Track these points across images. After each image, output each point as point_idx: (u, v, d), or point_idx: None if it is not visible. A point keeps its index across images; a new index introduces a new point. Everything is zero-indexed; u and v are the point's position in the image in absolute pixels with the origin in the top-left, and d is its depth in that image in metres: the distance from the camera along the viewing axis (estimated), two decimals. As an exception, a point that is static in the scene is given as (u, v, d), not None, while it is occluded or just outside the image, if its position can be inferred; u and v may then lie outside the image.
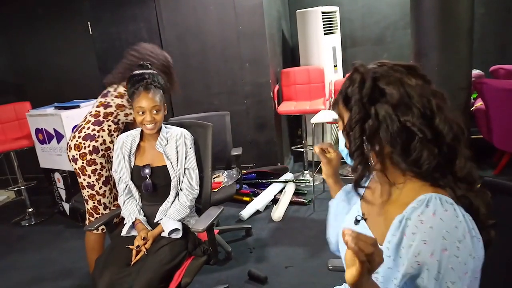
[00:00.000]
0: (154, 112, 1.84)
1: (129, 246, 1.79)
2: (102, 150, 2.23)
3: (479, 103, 3.55)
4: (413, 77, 0.89)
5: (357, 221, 1.02)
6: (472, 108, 3.57)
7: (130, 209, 1.93)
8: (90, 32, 4.16)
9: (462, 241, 0.81)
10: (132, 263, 1.72)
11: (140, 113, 1.83)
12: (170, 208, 1.89)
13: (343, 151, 1.01)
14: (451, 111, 0.89)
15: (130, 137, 1.97)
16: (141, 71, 1.94)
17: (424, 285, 0.82)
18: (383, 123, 0.86)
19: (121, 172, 1.95)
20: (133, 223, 1.91)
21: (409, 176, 0.90)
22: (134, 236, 1.85)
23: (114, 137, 2.26)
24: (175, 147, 1.92)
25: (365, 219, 1.02)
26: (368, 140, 0.89)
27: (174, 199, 1.92)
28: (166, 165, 1.90)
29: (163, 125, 1.96)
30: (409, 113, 0.85)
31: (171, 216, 1.86)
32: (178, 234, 1.84)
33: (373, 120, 0.87)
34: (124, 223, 1.96)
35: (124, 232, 1.89)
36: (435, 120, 0.86)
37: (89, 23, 4.16)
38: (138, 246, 1.77)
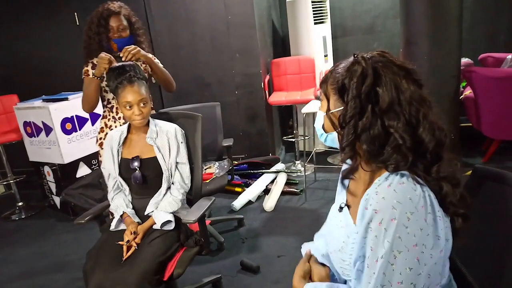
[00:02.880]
0: (142, 105, 1.82)
1: (119, 242, 1.77)
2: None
3: (468, 92, 3.58)
4: (408, 81, 0.90)
5: (340, 208, 1.05)
6: (461, 96, 3.59)
7: (118, 203, 1.92)
8: (78, 23, 4.10)
9: (415, 213, 0.83)
10: (124, 259, 1.71)
11: (128, 107, 1.82)
12: (162, 201, 1.89)
13: (319, 130, 1.04)
14: (437, 116, 0.91)
15: (118, 132, 1.96)
16: (120, 64, 1.92)
17: (373, 253, 0.85)
18: (371, 124, 0.88)
19: (109, 168, 1.94)
20: (121, 216, 1.90)
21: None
22: (124, 230, 1.83)
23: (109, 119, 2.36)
24: (166, 140, 1.91)
25: (348, 206, 1.04)
26: (358, 137, 0.91)
27: (166, 192, 1.91)
28: (155, 157, 1.89)
29: (150, 118, 1.95)
30: (395, 119, 0.87)
31: (163, 209, 1.86)
32: (171, 226, 1.84)
33: (367, 118, 0.88)
34: (111, 217, 1.95)
35: (112, 227, 1.89)
36: (419, 129, 0.88)
37: (76, 14, 4.10)
38: (128, 241, 1.76)
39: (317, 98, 0.94)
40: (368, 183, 0.96)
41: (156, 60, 2.36)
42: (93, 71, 2.26)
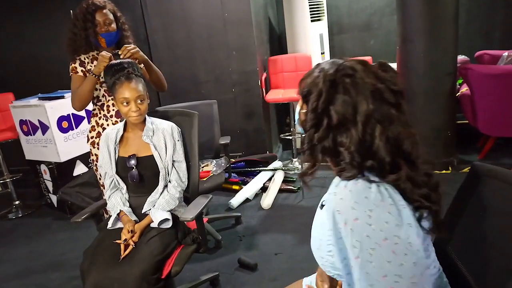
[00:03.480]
0: (139, 101, 1.81)
1: (117, 241, 1.76)
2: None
3: (464, 89, 3.59)
4: (371, 100, 0.89)
5: (321, 206, 1.07)
6: (458, 93, 3.60)
7: (115, 201, 1.91)
8: (73, 21, 4.07)
9: (374, 210, 0.85)
10: (121, 257, 1.70)
11: (125, 103, 1.81)
12: (159, 199, 1.88)
13: (297, 125, 1.07)
14: (407, 126, 0.92)
15: (115, 130, 1.95)
16: (118, 61, 1.91)
17: (350, 253, 0.88)
18: (325, 137, 0.92)
19: (106, 167, 1.93)
20: (118, 215, 1.89)
21: None
22: (121, 229, 1.83)
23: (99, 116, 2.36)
24: (162, 138, 1.90)
25: None
26: (315, 145, 0.96)
27: (163, 191, 1.91)
28: (152, 155, 1.89)
29: (147, 116, 1.94)
30: (347, 137, 0.89)
31: (160, 207, 1.85)
32: (168, 224, 1.83)
33: (322, 132, 0.93)
34: (109, 215, 1.94)
35: (109, 225, 1.88)
36: (373, 145, 0.89)
37: (72, 12, 4.05)
38: (125, 240, 1.75)
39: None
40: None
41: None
42: (82, 68, 2.25)
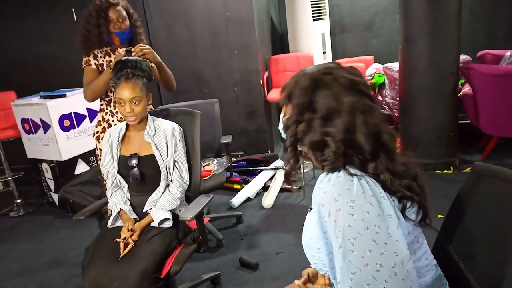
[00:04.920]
0: (134, 103, 1.81)
1: (116, 240, 1.76)
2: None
3: (466, 89, 3.58)
4: (351, 92, 0.96)
5: (310, 209, 1.10)
6: (460, 93, 3.59)
7: (115, 200, 1.91)
8: (75, 20, 4.07)
9: (356, 200, 0.89)
10: (121, 256, 1.70)
11: (121, 103, 1.81)
12: (161, 199, 1.88)
13: (282, 131, 1.10)
14: (380, 119, 0.98)
15: (117, 129, 1.95)
16: (125, 58, 1.92)
17: (333, 244, 0.92)
18: (310, 130, 0.97)
19: (108, 166, 1.93)
20: (119, 213, 1.89)
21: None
22: (121, 227, 1.83)
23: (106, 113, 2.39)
24: (164, 138, 1.90)
25: None
26: (298, 140, 1.01)
27: (164, 190, 1.91)
28: (153, 154, 1.89)
29: (149, 115, 1.94)
30: (333, 127, 0.94)
31: (161, 207, 1.85)
32: (169, 224, 1.83)
33: (304, 125, 0.98)
34: (109, 214, 1.94)
35: (109, 223, 1.88)
36: (356, 134, 0.93)
37: (74, 10, 4.08)
38: (125, 238, 1.75)
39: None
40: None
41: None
42: (95, 61, 2.28)
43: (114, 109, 2.36)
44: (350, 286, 0.89)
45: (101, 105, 2.42)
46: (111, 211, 1.95)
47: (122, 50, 2.16)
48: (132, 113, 1.81)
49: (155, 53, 2.23)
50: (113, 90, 2.33)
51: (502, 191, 1.05)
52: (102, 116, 2.40)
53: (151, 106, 2.50)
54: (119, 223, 1.89)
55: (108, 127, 2.33)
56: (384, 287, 0.86)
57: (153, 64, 2.29)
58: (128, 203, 1.92)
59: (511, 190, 1.01)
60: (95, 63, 2.29)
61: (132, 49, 2.15)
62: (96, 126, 2.42)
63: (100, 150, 2.36)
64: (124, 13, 2.25)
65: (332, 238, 0.92)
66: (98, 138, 2.40)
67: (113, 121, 2.36)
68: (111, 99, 2.36)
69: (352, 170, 0.93)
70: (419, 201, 0.97)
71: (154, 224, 1.83)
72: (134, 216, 1.87)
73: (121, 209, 1.89)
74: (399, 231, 0.89)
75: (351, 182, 0.91)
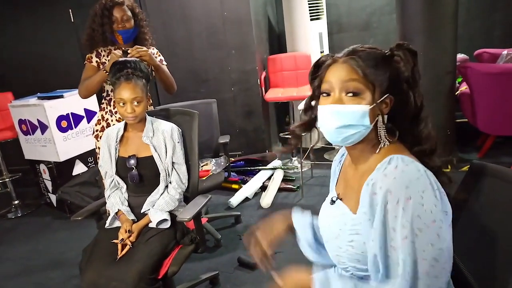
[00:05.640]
0: (135, 103, 1.80)
1: (114, 241, 1.76)
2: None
3: (463, 87, 3.58)
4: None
5: (332, 202, 1.08)
6: (457, 92, 3.60)
7: (113, 201, 1.91)
8: (72, 20, 4.07)
9: (426, 191, 0.86)
10: (118, 257, 1.70)
11: (121, 104, 1.81)
12: (159, 200, 1.88)
13: (348, 128, 0.96)
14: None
15: (115, 129, 1.95)
16: (123, 59, 1.91)
17: (396, 234, 0.87)
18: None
19: (106, 167, 1.93)
20: (117, 214, 1.89)
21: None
22: (119, 228, 1.82)
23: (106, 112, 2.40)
24: (162, 140, 1.90)
25: (340, 199, 1.07)
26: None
27: (163, 192, 1.91)
28: (152, 156, 1.89)
29: (147, 116, 1.94)
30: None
31: (160, 208, 1.85)
32: (167, 225, 1.83)
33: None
34: (108, 214, 1.94)
35: (107, 224, 1.88)
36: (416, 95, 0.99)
37: (70, 10, 4.07)
38: (122, 240, 1.75)
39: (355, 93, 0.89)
40: (364, 173, 0.98)
41: (165, 63, 2.41)
42: (97, 59, 2.29)
43: (114, 108, 2.36)
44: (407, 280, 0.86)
45: (102, 103, 2.42)
46: (109, 211, 1.95)
47: (117, 52, 2.15)
48: (133, 113, 1.81)
49: (152, 55, 2.23)
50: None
51: (499, 190, 1.05)
52: (102, 115, 2.41)
53: (152, 107, 2.51)
54: (117, 223, 1.89)
55: (107, 127, 2.33)
56: (432, 284, 0.86)
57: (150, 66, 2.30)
58: (126, 203, 1.91)
59: (508, 188, 1.02)
60: (96, 61, 2.30)
61: (129, 50, 2.15)
62: (96, 125, 2.42)
63: (99, 148, 2.36)
64: (129, 12, 2.26)
65: (393, 226, 0.88)
66: (97, 137, 2.40)
67: (112, 120, 2.37)
68: (111, 98, 2.36)
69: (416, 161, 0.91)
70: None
71: (152, 225, 1.83)
72: (132, 217, 1.87)
73: (119, 210, 1.88)
74: (450, 229, 0.89)
75: (419, 172, 0.88)
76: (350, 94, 0.94)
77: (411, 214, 0.85)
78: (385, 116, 0.96)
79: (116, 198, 1.91)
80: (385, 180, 0.89)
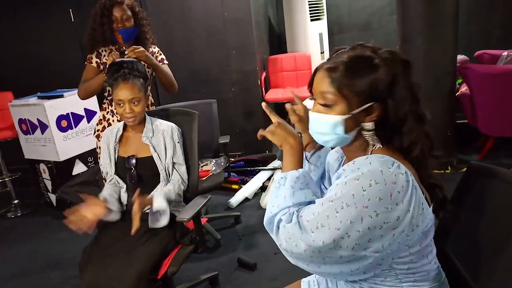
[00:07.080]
0: (134, 103, 1.80)
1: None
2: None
3: (464, 88, 3.58)
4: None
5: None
6: (457, 93, 3.60)
7: (105, 192, 1.86)
8: (72, 20, 4.07)
9: (380, 184, 0.86)
10: (133, 231, 1.63)
11: (120, 105, 1.80)
12: (164, 187, 1.86)
13: (337, 136, 0.99)
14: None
15: (115, 129, 1.95)
16: (119, 59, 1.91)
17: (328, 193, 0.93)
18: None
19: (106, 167, 1.92)
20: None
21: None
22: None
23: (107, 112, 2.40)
24: (162, 140, 1.90)
25: None
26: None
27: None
28: (151, 156, 1.88)
29: (147, 116, 1.94)
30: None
31: (162, 193, 1.79)
32: (165, 219, 1.78)
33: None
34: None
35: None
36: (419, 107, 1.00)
37: (71, 10, 4.07)
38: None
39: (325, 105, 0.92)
40: None
41: (166, 62, 2.41)
42: (97, 60, 2.28)
43: (115, 109, 2.36)
44: (311, 230, 0.90)
45: (103, 103, 2.42)
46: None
47: (115, 53, 2.15)
48: (132, 113, 1.80)
49: (149, 55, 2.22)
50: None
51: (497, 190, 1.05)
52: (103, 114, 2.41)
53: (153, 107, 2.50)
54: (111, 216, 1.82)
55: (108, 126, 2.33)
56: (299, 245, 0.93)
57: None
58: (116, 196, 1.87)
59: (507, 189, 1.02)
60: (97, 61, 2.29)
61: (126, 51, 2.15)
62: (97, 125, 2.42)
63: (100, 148, 2.36)
64: (128, 12, 2.25)
65: (330, 188, 0.93)
66: (98, 137, 2.40)
67: (113, 120, 2.37)
68: (112, 98, 2.36)
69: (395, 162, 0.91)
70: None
71: (152, 226, 1.79)
72: (115, 208, 1.81)
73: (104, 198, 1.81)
74: (389, 237, 0.87)
75: (387, 168, 0.88)
76: (323, 104, 0.97)
77: (347, 189, 0.88)
78: (371, 123, 0.95)
79: (108, 190, 1.88)
80: (349, 165, 0.92)
